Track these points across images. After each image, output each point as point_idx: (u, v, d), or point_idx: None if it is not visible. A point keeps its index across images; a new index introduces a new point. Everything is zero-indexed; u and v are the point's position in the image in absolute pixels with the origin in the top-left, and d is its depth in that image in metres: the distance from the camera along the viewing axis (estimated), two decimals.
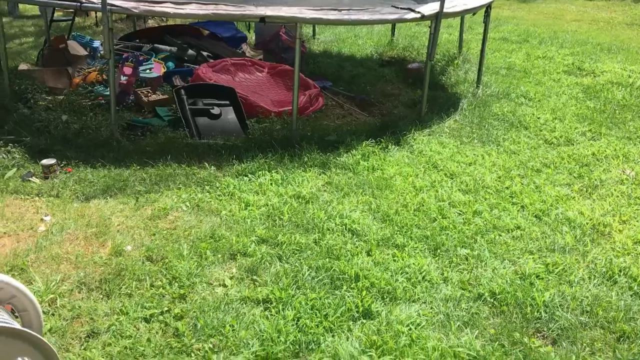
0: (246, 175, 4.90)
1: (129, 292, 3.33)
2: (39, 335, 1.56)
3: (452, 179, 5.05)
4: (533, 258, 3.86)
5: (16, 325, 1.77)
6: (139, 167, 4.93)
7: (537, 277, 3.66)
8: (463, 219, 4.35)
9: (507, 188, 4.89)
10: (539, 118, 6.71)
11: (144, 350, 2.87)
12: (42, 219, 4.08)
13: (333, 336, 3.04)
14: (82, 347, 2.89)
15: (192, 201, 4.43)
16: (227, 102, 6.07)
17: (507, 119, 6.59)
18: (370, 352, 2.91)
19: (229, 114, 6.03)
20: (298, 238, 3.94)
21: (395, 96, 7.47)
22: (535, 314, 3.31)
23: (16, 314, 2.10)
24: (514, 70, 8.86)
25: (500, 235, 4.14)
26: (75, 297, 3.26)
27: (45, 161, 4.74)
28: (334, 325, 3.12)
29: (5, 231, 3.89)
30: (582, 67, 9.10)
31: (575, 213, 4.50)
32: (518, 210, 4.53)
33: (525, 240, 4.10)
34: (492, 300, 3.43)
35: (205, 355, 2.86)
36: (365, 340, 3.00)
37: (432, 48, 6.21)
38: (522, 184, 5.00)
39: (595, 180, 5.15)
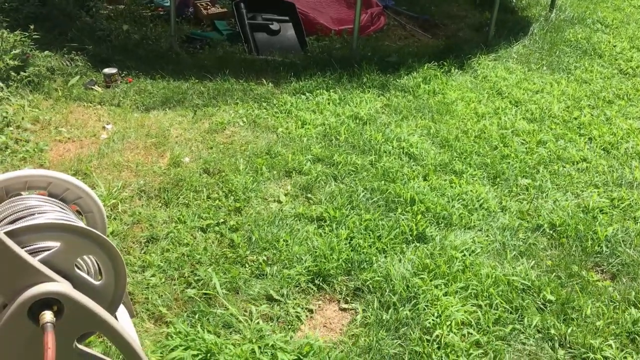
0: (304, 94, 4.84)
1: (187, 202, 3.39)
2: (104, 236, 1.59)
3: (516, 106, 4.84)
4: (598, 192, 3.72)
5: (82, 224, 1.81)
6: (197, 81, 4.92)
7: (600, 211, 3.53)
8: (526, 148, 4.20)
9: (575, 118, 4.66)
10: (615, 46, 6.30)
11: (200, 258, 2.94)
12: (104, 127, 4.16)
13: (385, 257, 3.04)
14: (142, 251, 2.99)
15: (249, 117, 4.41)
16: (287, 18, 5.92)
17: (581, 46, 6.21)
18: (422, 275, 2.90)
19: (288, 30, 5.89)
20: (354, 159, 3.90)
21: (461, 18, 7.12)
22: (596, 248, 3.21)
23: (81, 215, 2.16)
24: None
25: (564, 167, 3.99)
26: (135, 204, 3.35)
27: (107, 70, 4.79)
28: (387, 247, 3.11)
29: (70, 136, 3.99)
30: None
31: None
32: (585, 142, 4.33)
33: (590, 173, 3.94)
34: (551, 232, 3.34)
35: (259, 267, 2.91)
36: (417, 263, 2.99)
37: None
38: (592, 114, 4.76)
39: None
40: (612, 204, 3.62)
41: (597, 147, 4.27)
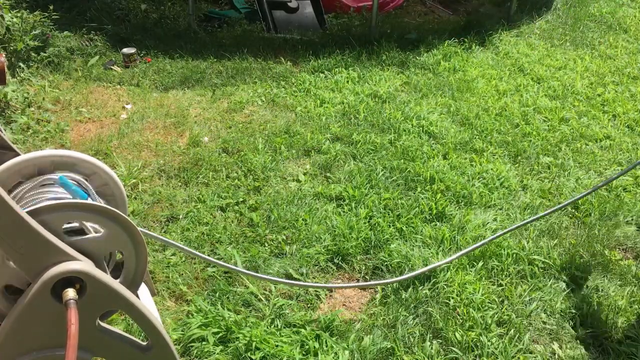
0: (322, 72, 4.80)
1: (206, 181, 3.41)
2: (124, 215, 1.59)
3: (539, 83, 4.76)
4: (621, 169, 3.65)
5: (103, 204, 1.82)
6: (215, 60, 4.91)
7: (624, 189, 3.47)
8: (548, 125, 4.13)
9: (599, 95, 4.57)
10: None
11: (220, 237, 2.96)
12: (123, 107, 4.17)
13: (404, 236, 3.02)
14: (163, 230, 3.01)
15: (268, 96, 4.40)
16: None
17: (605, 21, 6.06)
18: (441, 254, 2.88)
19: (307, 8, 5.83)
20: (373, 137, 3.87)
21: None
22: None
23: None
24: None
25: (587, 145, 3.92)
26: (155, 184, 3.38)
27: (126, 50, 4.80)
28: (406, 226, 3.09)
29: (90, 117, 4.02)
30: None
31: None
32: (609, 119, 4.25)
33: (614, 150, 3.87)
34: (573, 210, 3.29)
35: (278, 246, 2.92)
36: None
37: None
38: (616, 91, 4.66)
39: None
40: (635, 182, 3.56)
41: (621, 124, 4.19)
